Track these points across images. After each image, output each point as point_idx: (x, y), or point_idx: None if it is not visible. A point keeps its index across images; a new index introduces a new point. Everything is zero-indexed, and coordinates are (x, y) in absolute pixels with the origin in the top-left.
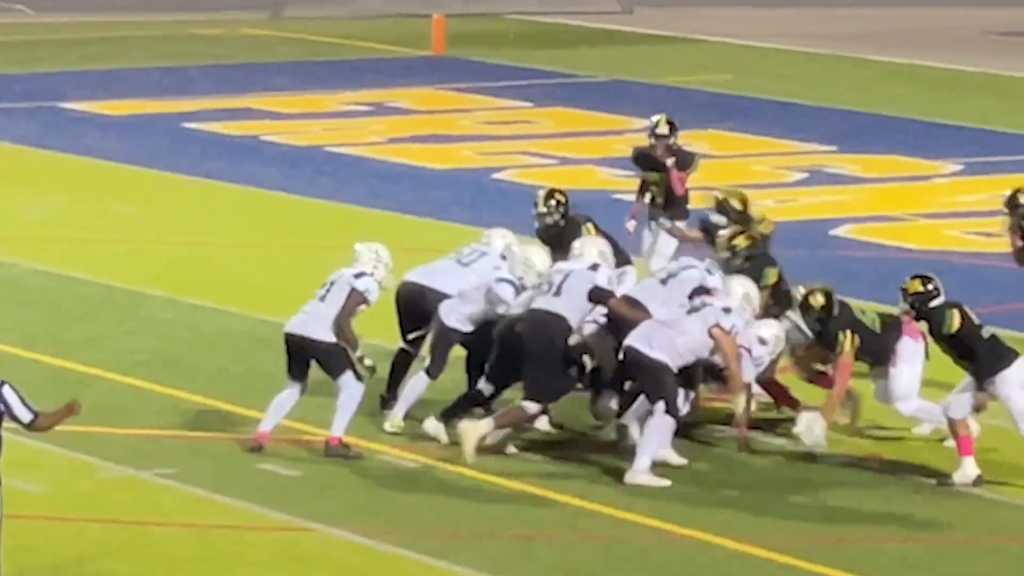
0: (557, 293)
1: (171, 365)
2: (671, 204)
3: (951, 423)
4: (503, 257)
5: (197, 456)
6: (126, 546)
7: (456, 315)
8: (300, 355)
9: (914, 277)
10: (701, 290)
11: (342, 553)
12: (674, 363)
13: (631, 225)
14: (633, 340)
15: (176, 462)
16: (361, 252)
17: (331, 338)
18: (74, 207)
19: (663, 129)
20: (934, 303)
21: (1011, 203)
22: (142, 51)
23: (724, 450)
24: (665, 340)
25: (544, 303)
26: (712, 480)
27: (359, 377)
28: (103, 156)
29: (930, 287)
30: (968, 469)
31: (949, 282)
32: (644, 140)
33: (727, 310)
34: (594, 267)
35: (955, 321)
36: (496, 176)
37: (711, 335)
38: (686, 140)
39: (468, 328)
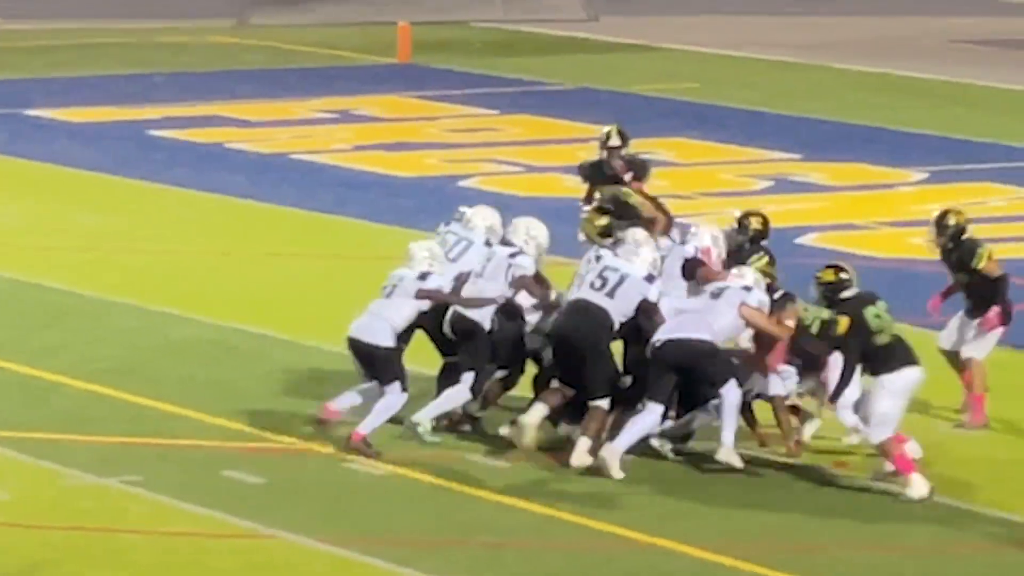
0: (611, 295)
1: (137, 373)
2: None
3: (880, 449)
4: (487, 243)
5: (163, 463)
6: (91, 553)
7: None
8: (364, 358)
9: (828, 267)
10: (694, 262)
11: (307, 561)
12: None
13: (583, 236)
14: (672, 332)
15: (142, 469)
16: (415, 252)
17: (391, 343)
18: (40, 214)
19: (615, 141)
20: (844, 294)
21: (940, 223)
22: (108, 58)
23: (691, 459)
24: (704, 325)
25: (593, 297)
26: (679, 488)
27: (405, 388)
28: (69, 163)
29: (843, 276)
30: (916, 487)
31: (915, 290)
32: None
33: (747, 288)
34: (649, 278)
35: (841, 327)
36: (462, 184)
37: (741, 315)
38: (651, 148)
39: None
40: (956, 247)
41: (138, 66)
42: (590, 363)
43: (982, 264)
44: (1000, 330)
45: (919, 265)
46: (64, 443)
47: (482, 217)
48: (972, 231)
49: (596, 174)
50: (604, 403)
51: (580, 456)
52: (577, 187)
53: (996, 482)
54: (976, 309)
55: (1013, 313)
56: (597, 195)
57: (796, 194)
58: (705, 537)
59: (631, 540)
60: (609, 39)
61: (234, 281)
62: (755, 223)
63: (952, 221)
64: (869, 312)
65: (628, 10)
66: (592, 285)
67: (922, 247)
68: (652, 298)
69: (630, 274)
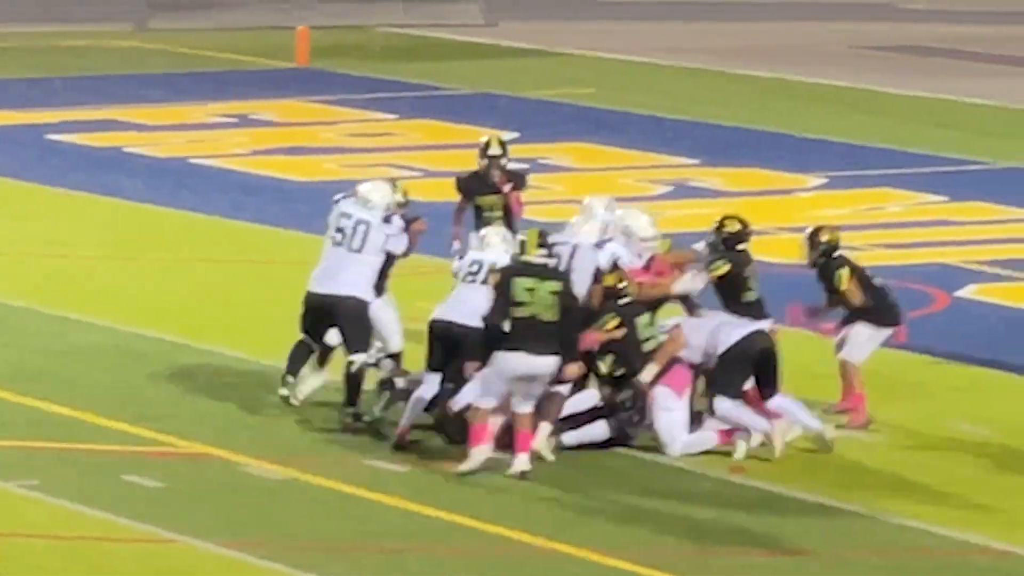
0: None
1: (37, 377)
2: (509, 225)
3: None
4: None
5: (62, 468)
6: None
7: None
8: (452, 341)
9: (732, 218)
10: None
11: (209, 565)
12: None
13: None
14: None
15: (41, 473)
16: (491, 238)
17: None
18: None
19: (496, 150)
20: (740, 247)
21: (812, 238)
22: (7, 62)
23: (592, 461)
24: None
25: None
26: (579, 493)
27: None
28: None
29: (741, 230)
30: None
31: (812, 297)
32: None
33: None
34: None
35: (722, 270)
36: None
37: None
38: (550, 153)
39: None
40: (825, 265)
41: (37, 70)
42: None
43: (843, 287)
44: (879, 334)
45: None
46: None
47: (381, 194)
48: (842, 250)
49: (475, 185)
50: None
51: (542, 442)
52: None
53: (886, 485)
54: (847, 319)
55: (900, 315)
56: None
57: (695, 199)
58: (606, 541)
59: (533, 545)
60: (508, 44)
61: (134, 285)
62: (825, 237)
63: (824, 238)
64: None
65: (527, 15)
66: None
67: None
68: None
69: (581, 244)
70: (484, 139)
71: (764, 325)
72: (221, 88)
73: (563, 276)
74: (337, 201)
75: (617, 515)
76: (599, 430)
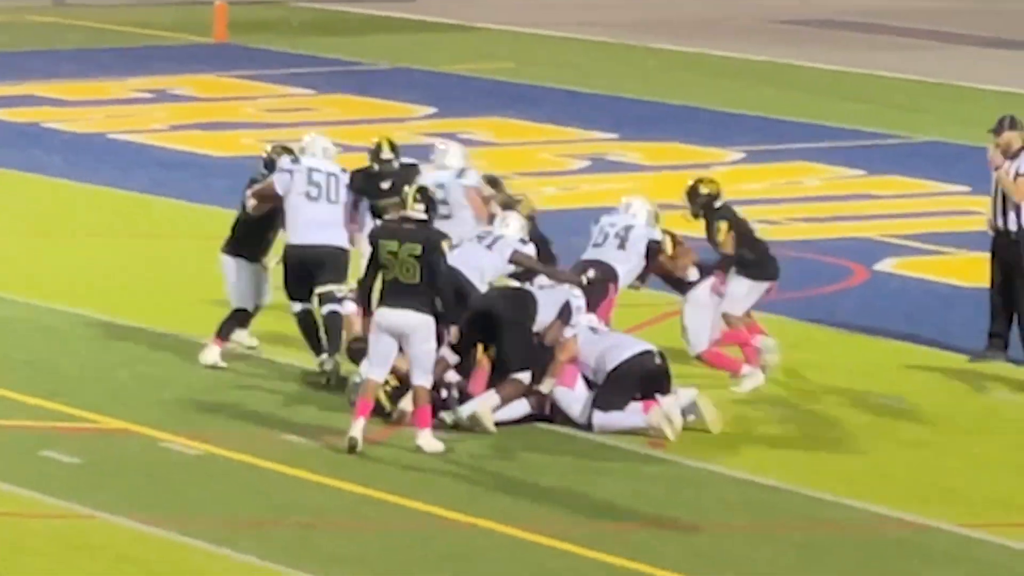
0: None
1: None
2: None
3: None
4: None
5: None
6: None
7: None
8: None
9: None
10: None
11: (124, 541)
12: None
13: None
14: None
15: None
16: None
17: None
18: None
19: (387, 154)
20: (716, 205)
21: (691, 192)
22: None
23: (504, 437)
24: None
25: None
26: (494, 467)
27: None
28: None
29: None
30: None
31: None
32: (423, 127)
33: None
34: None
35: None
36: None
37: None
38: (468, 128)
39: None
40: (706, 216)
41: None
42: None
43: (720, 238)
44: (757, 287)
45: None
46: None
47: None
48: (724, 201)
49: (372, 186)
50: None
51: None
52: None
53: (802, 460)
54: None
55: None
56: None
57: (613, 173)
58: (521, 516)
59: (447, 519)
60: (425, 19)
61: (51, 261)
62: (704, 189)
63: (704, 190)
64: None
65: None
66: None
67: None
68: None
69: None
70: (375, 141)
71: (652, 346)
72: (139, 63)
73: (427, 236)
74: (291, 168)
75: (534, 490)
76: (520, 407)
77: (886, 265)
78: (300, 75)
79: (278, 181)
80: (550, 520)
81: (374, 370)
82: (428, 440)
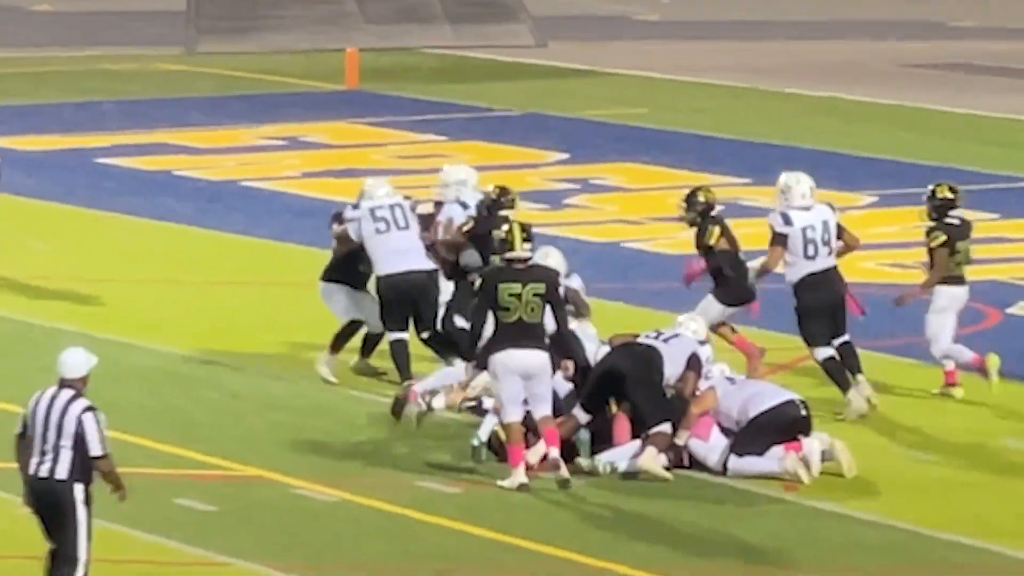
0: None
1: None
2: None
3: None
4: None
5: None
6: None
7: None
8: None
9: (943, 185)
10: None
11: None
12: None
13: None
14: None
15: (93, 498)
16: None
17: None
18: None
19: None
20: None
21: (690, 199)
22: (55, 87)
23: (639, 483)
24: None
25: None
26: (629, 513)
27: None
28: (16, 192)
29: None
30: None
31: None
32: (555, 173)
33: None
34: None
35: (939, 240)
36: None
37: None
38: (601, 174)
39: None
40: (702, 223)
41: (86, 94)
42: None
43: (712, 241)
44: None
45: (870, 289)
46: (12, 471)
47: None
48: (719, 212)
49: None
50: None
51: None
52: (526, 213)
53: (937, 506)
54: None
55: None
56: None
57: (746, 219)
58: (657, 561)
59: (583, 565)
60: (558, 64)
61: (183, 309)
62: (702, 197)
63: (701, 198)
64: None
65: (577, 36)
66: None
67: (872, 271)
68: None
69: None
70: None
71: (795, 396)
72: (271, 111)
73: (547, 274)
74: (354, 215)
75: (670, 535)
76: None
77: (1019, 308)
78: (431, 122)
79: (351, 230)
80: (686, 565)
81: (515, 412)
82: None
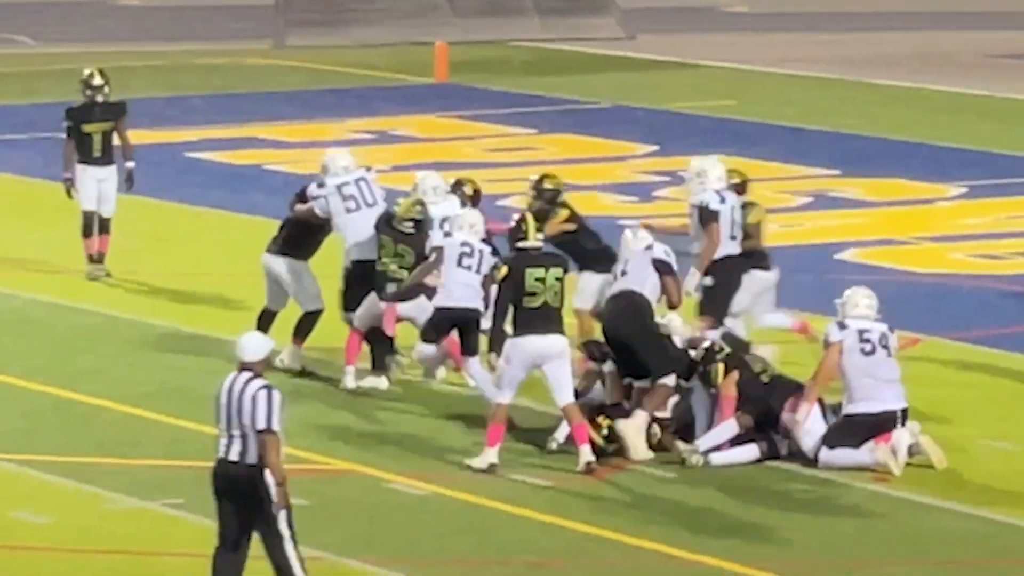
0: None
1: (177, 396)
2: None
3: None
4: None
5: (204, 486)
6: None
7: None
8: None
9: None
10: None
11: None
12: None
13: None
14: None
15: (183, 492)
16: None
17: None
18: (77, 238)
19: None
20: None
21: (536, 186)
22: (144, 81)
23: (727, 475)
24: None
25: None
26: (719, 504)
27: None
28: None
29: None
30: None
31: (954, 305)
32: (644, 166)
33: None
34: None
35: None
36: (501, 203)
37: None
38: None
39: None
40: (548, 210)
41: (175, 89)
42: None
43: (559, 224)
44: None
45: (959, 280)
46: (105, 467)
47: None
48: (565, 197)
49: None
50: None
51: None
52: (615, 205)
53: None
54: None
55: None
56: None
57: (835, 210)
58: (748, 554)
59: (673, 557)
60: (646, 56)
61: None
62: (548, 184)
63: (548, 185)
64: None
65: (665, 28)
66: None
67: (961, 262)
68: None
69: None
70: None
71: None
72: (359, 104)
73: (562, 260)
74: (318, 192)
75: (760, 526)
76: (748, 453)
77: None
78: (521, 115)
79: (317, 207)
80: (777, 557)
81: (509, 396)
82: (588, 454)
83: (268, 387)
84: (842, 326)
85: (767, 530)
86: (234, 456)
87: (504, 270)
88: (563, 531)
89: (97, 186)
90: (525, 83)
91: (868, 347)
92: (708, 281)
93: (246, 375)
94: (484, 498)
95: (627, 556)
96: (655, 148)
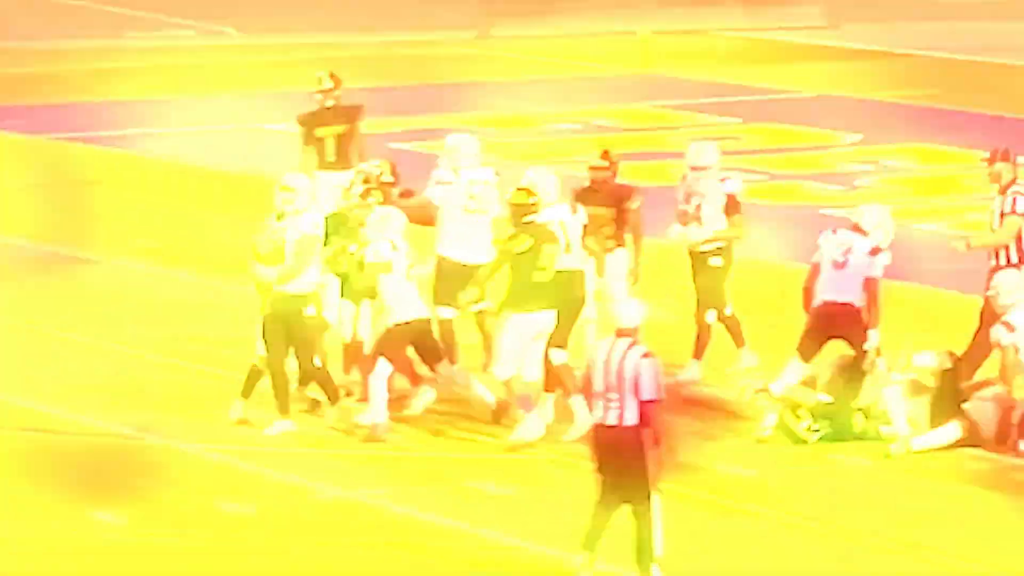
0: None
1: None
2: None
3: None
4: None
5: (407, 477)
6: (338, 568)
7: None
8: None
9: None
10: None
11: (551, 570)
12: None
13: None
14: None
15: (387, 482)
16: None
17: None
18: None
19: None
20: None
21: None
22: (348, 71)
23: (944, 463)
24: None
25: None
26: (913, 494)
27: None
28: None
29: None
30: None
31: None
32: (848, 155)
33: None
34: None
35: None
36: None
37: None
38: (893, 155)
39: None
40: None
41: (379, 79)
42: None
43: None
44: None
45: None
46: (310, 457)
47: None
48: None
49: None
50: None
51: None
52: (818, 194)
53: None
54: None
55: None
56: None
57: None
58: (957, 545)
59: (879, 543)
60: (850, 46)
61: None
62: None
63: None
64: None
65: (869, 17)
66: None
67: None
68: None
69: None
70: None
71: None
72: (564, 94)
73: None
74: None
75: (969, 519)
76: (950, 432)
77: None
78: (726, 104)
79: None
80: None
81: (509, 371)
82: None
83: (649, 355)
84: (1008, 327)
85: (978, 524)
86: (612, 420)
87: (527, 243)
88: (764, 521)
89: (333, 192)
90: (729, 72)
91: None
92: None
93: (625, 342)
94: (689, 488)
95: (826, 545)
96: (859, 138)
